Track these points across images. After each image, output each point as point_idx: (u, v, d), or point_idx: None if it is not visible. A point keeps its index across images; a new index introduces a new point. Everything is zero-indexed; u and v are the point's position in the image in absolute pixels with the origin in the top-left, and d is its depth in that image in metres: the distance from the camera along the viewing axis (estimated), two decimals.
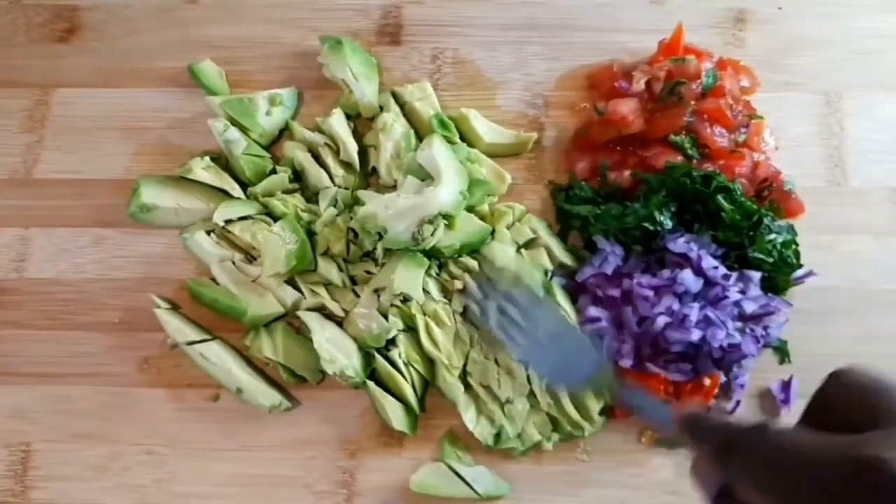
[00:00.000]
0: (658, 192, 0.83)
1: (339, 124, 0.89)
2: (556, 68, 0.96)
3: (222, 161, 0.91)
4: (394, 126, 0.89)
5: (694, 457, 0.46)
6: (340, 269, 0.86)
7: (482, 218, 0.87)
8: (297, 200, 0.88)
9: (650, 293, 0.80)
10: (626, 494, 0.82)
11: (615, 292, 0.82)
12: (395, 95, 0.92)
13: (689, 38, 0.92)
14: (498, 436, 0.82)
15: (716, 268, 0.80)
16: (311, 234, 0.86)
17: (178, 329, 0.85)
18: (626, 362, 0.80)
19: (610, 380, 0.70)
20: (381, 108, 0.92)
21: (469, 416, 0.82)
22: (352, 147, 0.88)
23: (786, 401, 0.84)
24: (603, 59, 0.95)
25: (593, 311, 0.82)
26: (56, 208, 0.91)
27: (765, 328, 0.81)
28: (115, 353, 0.87)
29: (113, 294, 0.88)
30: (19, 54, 0.97)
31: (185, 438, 0.84)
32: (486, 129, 0.92)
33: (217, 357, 0.84)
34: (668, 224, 0.82)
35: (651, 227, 0.82)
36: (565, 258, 0.86)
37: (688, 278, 0.79)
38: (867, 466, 0.31)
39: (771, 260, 0.82)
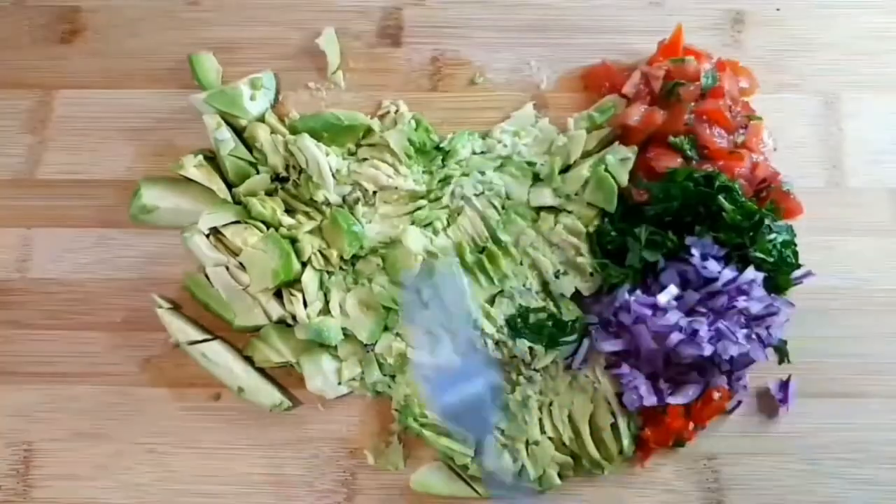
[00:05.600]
0: (661, 200, 0.83)
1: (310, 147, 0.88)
2: (556, 70, 0.96)
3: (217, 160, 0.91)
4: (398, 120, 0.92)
5: None
6: (323, 282, 0.86)
7: None
8: (276, 204, 0.88)
9: (647, 311, 0.79)
10: (624, 493, 0.82)
11: (626, 318, 0.81)
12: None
13: (688, 40, 0.92)
14: (518, 475, 0.81)
15: (719, 272, 0.80)
16: (293, 240, 0.86)
17: (180, 329, 0.85)
18: (651, 400, 0.79)
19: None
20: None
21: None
22: (325, 170, 0.87)
23: (784, 400, 0.84)
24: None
25: (608, 346, 0.82)
26: (59, 208, 0.92)
27: (766, 328, 0.81)
28: (117, 352, 0.87)
29: (115, 294, 0.89)
30: (22, 56, 0.98)
31: (186, 437, 0.84)
32: None
33: (218, 356, 0.84)
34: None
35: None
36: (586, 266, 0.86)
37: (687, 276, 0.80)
38: None
39: (771, 260, 0.82)
